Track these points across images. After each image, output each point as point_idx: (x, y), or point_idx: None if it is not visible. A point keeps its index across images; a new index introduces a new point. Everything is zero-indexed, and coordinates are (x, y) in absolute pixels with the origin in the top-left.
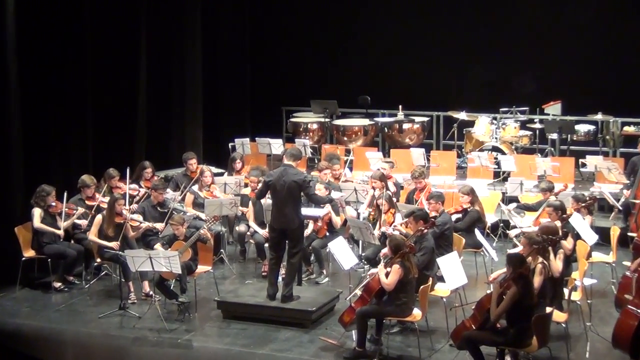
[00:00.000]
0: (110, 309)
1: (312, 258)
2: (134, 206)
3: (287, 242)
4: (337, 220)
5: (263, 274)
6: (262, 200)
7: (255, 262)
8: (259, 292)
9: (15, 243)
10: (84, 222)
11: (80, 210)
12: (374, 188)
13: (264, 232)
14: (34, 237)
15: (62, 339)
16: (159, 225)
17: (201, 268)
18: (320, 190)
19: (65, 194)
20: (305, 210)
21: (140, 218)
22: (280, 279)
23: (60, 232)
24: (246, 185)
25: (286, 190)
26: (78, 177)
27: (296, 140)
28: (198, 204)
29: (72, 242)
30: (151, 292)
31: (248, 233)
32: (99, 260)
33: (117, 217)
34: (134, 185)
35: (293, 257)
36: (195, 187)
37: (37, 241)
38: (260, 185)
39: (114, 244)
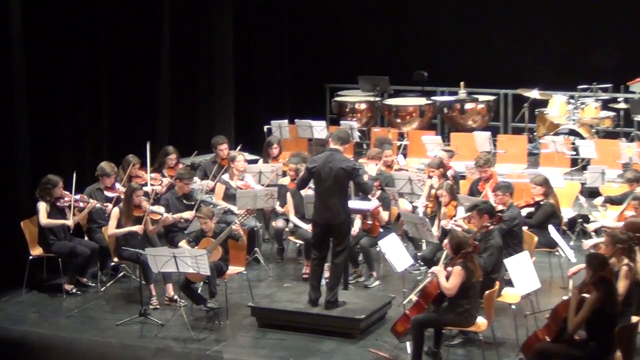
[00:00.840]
0: (129, 315)
1: (360, 258)
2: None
3: (332, 240)
4: (385, 216)
5: (304, 276)
6: (303, 191)
7: (294, 263)
8: (299, 297)
9: (21, 240)
10: (108, 207)
11: (93, 202)
12: (431, 177)
13: (308, 227)
14: (42, 234)
15: (74, 350)
16: (188, 214)
17: (233, 269)
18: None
19: (74, 179)
20: (351, 204)
21: (162, 210)
22: (323, 282)
23: (70, 222)
24: (284, 174)
25: (332, 178)
26: (91, 165)
27: (342, 122)
28: (229, 196)
29: (86, 238)
30: (176, 297)
31: (286, 229)
32: (116, 259)
33: (136, 210)
34: (155, 174)
35: (337, 257)
36: (226, 176)
37: (45, 238)
38: (301, 173)
39: (137, 228)
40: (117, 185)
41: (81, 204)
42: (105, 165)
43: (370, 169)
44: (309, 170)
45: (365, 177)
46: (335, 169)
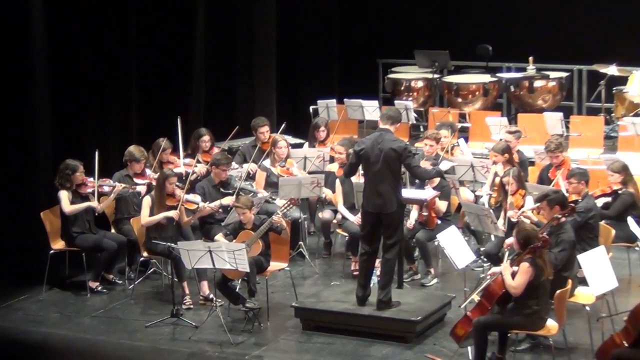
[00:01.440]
0: (159, 316)
1: (416, 254)
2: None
3: (382, 232)
4: (443, 206)
5: (354, 273)
6: (353, 178)
7: (343, 258)
8: (348, 297)
9: (41, 232)
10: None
11: (119, 185)
12: (496, 163)
13: (356, 219)
14: (64, 225)
15: (99, 354)
16: (229, 200)
17: (274, 265)
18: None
19: (97, 158)
20: (405, 192)
21: (198, 199)
22: (375, 279)
23: (96, 204)
24: (332, 159)
25: (382, 161)
26: (117, 148)
27: (396, 102)
28: (271, 184)
29: (112, 230)
30: (211, 296)
31: (334, 221)
32: (145, 254)
33: (169, 199)
34: (189, 160)
35: (389, 252)
36: (267, 162)
37: (68, 230)
38: (350, 157)
39: (173, 213)
40: (148, 172)
41: (106, 189)
42: (134, 149)
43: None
44: (356, 153)
45: (426, 165)
46: (385, 150)
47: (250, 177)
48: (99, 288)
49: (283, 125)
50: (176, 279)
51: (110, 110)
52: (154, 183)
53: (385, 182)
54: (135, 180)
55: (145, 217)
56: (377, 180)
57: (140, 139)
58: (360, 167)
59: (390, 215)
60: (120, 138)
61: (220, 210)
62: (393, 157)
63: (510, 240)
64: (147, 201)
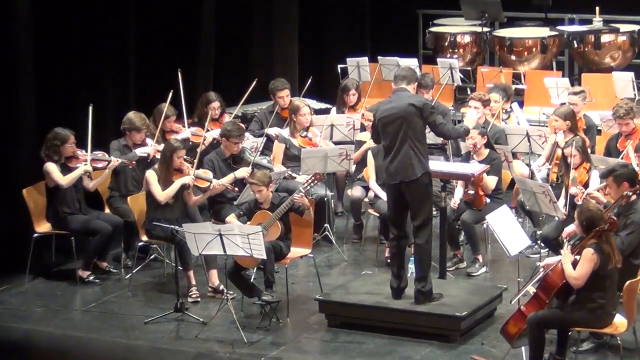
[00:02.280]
0: (161, 310)
1: (461, 238)
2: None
3: (409, 210)
4: (493, 182)
5: (388, 261)
6: None
7: (376, 243)
8: (382, 288)
9: (23, 213)
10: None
11: (115, 161)
12: (556, 132)
13: None
14: (50, 204)
15: (91, 354)
16: (244, 172)
17: (296, 251)
18: (474, 139)
19: (90, 113)
20: (446, 166)
21: (210, 175)
22: (412, 268)
23: (88, 168)
24: (363, 128)
25: (400, 120)
26: (113, 115)
27: (439, 60)
28: (290, 157)
29: (107, 211)
30: (222, 287)
31: (366, 199)
32: (145, 238)
33: (176, 175)
34: (196, 129)
35: (418, 235)
36: (286, 132)
37: (55, 210)
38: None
39: (188, 179)
40: (149, 142)
41: (99, 164)
42: (134, 116)
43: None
44: (374, 118)
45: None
46: (402, 108)
47: (267, 144)
48: (91, 278)
49: (308, 83)
50: (181, 268)
51: (104, 72)
52: (157, 156)
53: (405, 144)
54: (136, 152)
55: (159, 191)
56: (395, 143)
57: (138, 103)
58: None
59: (412, 185)
60: (116, 103)
61: (233, 187)
62: (412, 112)
63: (571, 227)
64: (153, 176)
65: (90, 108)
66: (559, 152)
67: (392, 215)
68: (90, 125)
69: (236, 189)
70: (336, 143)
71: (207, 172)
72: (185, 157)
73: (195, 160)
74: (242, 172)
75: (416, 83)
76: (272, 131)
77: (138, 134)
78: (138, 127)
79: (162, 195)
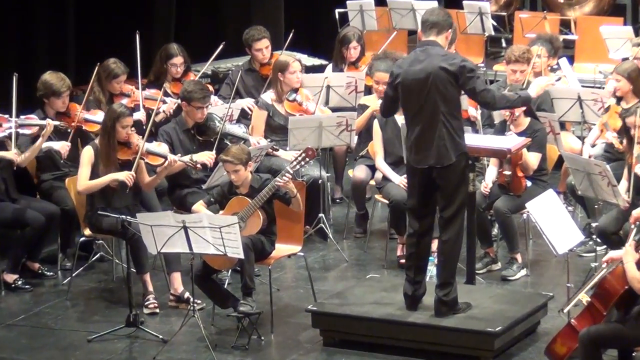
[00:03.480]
0: (109, 324)
1: (494, 232)
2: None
3: (437, 199)
4: (535, 160)
5: (401, 261)
6: (399, 119)
7: (385, 238)
8: (393, 296)
9: None
10: (63, 148)
11: (50, 124)
12: (616, 95)
13: (402, 180)
14: None
15: None
16: (207, 157)
17: (282, 249)
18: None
19: (15, 85)
20: (475, 139)
21: (165, 148)
22: (432, 271)
23: (14, 155)
24: (368, 90)
25: (429, 88)
26: (35, 73)
27: (466, 2)
28: (274, 127)
29: (38, 197)
30: (187, 295)
31: (372, 182)
32: (88, 232)
33: (122, 150)
34: (153, 91)
35: (447, 229)
36: (269, 95)
37: None
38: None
39: (124, 175)
40: (78, 110)
41: (26, 130)
42: (49, 77)
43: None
44: (391, 83)
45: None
46: (432, 72)
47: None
48: (19, 283)
49: (290, 36)
50: (134, 270)
51: (37, 24)
52: (87, 128)
53: (436, 120)
54: (54, 122)
55: (84, 178)
56: (423, 119)
57: (79, 63)
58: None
59: (446, 170)
60: (51, 63)
61: (195, 163)
62: (445, 79)
63: (639, 211)
64: (87, 154)
65: (15, 79)
66: (619, 122)
67: (415, 205)
68: (15, 100)
69: (199, 166)
70: (333, 110)
71: (160, 145)
72: (133, 128)
73: (147, 131)
74: (203, 156)
75: (450, 31)
76: (244, 103)
77: (58, 99)
78: (57, 89)
79: (85, 184)
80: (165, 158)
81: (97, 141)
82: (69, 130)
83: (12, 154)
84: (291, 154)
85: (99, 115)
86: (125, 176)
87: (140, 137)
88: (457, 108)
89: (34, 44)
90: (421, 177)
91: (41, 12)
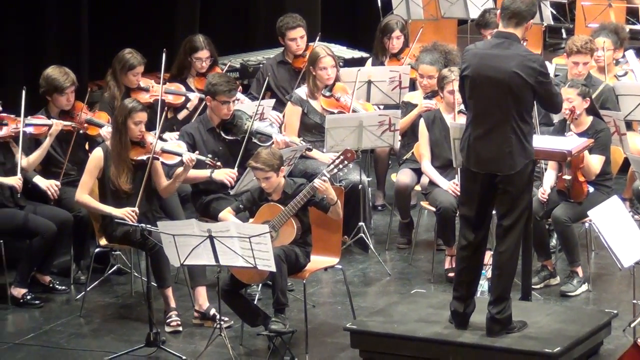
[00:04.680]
0: (127, 344)
1: (552, 242)
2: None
3: (496, 207)
4: (597, 163)
5: (449, 274)
6: (448, 118)
7: (431, 249)
8: (440, 313)
9: None
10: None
11: (58, 124)
12: None
13: (451, 185)
14: None
15: None
16: (225, 175)
17: (318, 261)
18: (572, 102)
19: (24, 96)
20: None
21: (183, 148)
22: (485, 285)
23: (17, 183)
24: (413, 84)
25: (503, 88)
26: (42, 67)
27: None
28: (309, 126)
29: (52, 203)
30: (213, 311)
31: (417, 187)
32: (104, 241)
33: (135, 150)
34: (174, 86)
35: (505, 240)
36: (303, 90)
37: None
38: (446, 82)
39: (122, 212)
40: (82, 110)
41: (32, 129)
42: (52, 72)
43: None
44: (460, 73)
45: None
46: (508, 69)
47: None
48: (28, 298)
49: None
50: (155, 284)
51: (46, 15)
52: (93, 132)
53: (504, 123)
54: (59, 121)
55: (85, 188)
56: (490, 120)
57: (93, 55)
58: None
59: (511, 179)
60: (63, 57)
61: (214, 161)
62: (521, 82)
63: None
64: (95, 159)
65: (24, 92)
66: None
67: (471, 214)
68: (23, 110)
69: (219, 163)
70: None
71: (180, 145)
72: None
73: (158, 126)
74: (221, 175)
75: (531, 22)
76: (265, 104)
77: (61, 95)
78: (60, 85)
79: (80, 197)
80: (181, 155)
81: (108, 142)
82: (81, 132)
83: (15, 179)
84: (328, 156)
85: (103, 118)
86: (123, 213)
87: (157, 136)
88: (530, 112)
89: (43, 36)
90: (479, 183)
91: (50, 2)
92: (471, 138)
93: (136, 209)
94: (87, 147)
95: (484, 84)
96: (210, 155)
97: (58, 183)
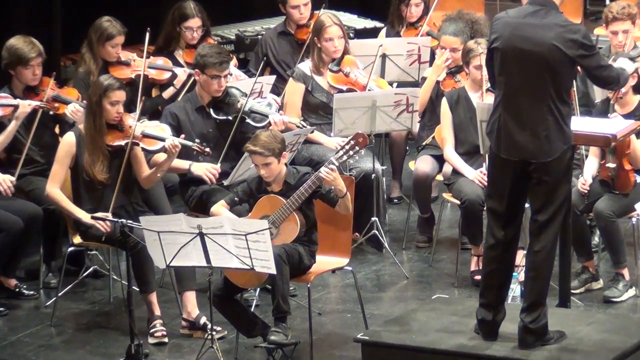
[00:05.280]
0: (104, 358)
1: (595, 240)
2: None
3: (530, 200)
4: None
5: (475, 277)
6: (475, 97)
7: (455, 248)
8: (465, 322)
9: None
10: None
11: (26, 105)
12: None
13: (476, 175)
14: None
15: None
16: (203, 170)
17: (325, 262)
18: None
19: None
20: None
21: (167, 131)
22: (516, 290)
23: None
24: (432, 57)
25: (538, 64)
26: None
27: None
28: (313, 106)
29: (18, 196)
30: (204, 320)
31: (439, 177)
32: (77, 240)
33: (111, 134)
34: (161, 60)
35: (540, 238)
36: (307, 64)
37: None
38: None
39: (90, 221)
40: (49, 87)
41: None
42: (16, 42)
43: None
44: (488, 46)
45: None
46: (545, 46)
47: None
48: None
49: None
50: (137, 288)
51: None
52: (61, 110)
53: (541, 103)
54: (27, 101)
55: (56, 179)
56: (524, 100)
57: (69, 29)
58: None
59: (547, 167)
60: (32, 28)
61: (202, 147)
62: (561, 57)
63: None
64: (66, 146)
65: None
66: None
67: (501, 207)
68: None
69: (207, 149)
70: (391, 84)
71: (163, 129)
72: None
73: (139, 106)
74: (200, 169)
75: None
76: (264, 81)
77: (26, 69)
78: (24, 56)
79: (50, 191)
80: (163, 140)
81: (81, 126)
82: (52, 113)
83: None
84: (336, 140)
85: (72, 95)
86: (92, 222)
87: (135, 117)
88: (569, 90)
89: (8, 3)
90: (513, 172)
91: None
92: (501, 120)
93: (109, 214)
94: (57, 130)
95: (517, 58)
96: (198, 141)
97: (13, 179)
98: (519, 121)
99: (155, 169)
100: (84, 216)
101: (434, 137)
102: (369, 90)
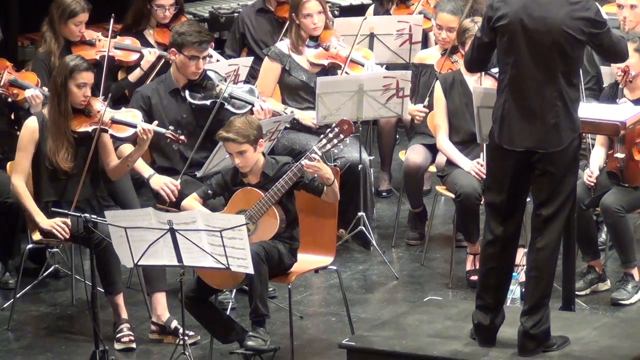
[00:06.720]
0: None
1: (602, 238)
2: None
3: (533, 193)
4: None
5: (471, 278)
6: (473, 79)
7: (449, 245)
8: (460, 326)
9: None
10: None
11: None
12: None
13: (474, 166)
14: None
15: None
16: (161, 184)
17: (307, 261)
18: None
19: None
20: (583, 109)
21: (138, 117)
22: (516, 291)
23: None
24: (426, 39)
25: (547, 44)
26: None
27: None
28: (293, 88)
29: None
30: (174, 324)
31: (432, 168)
32: (37, 236)
33: (78, 119)
34: (129, 40)
35: (544, 234)
36: (285, 43)
37: None
38: (468, 34)
39: (54, 223)
40: (6, 71)
41: None
42: None
43: None
44: (488, 22)
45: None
46: (553, 24)
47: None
48: None
49: None
50: (102, 289)
51: None
52: (19, 96)
53: (550, 88)
54: None
55: (19, 169)
56: (531, 84)
57: (27, 7)
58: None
59: (553, 157)
60: None
61: (177, 136)
62: (572, 37)
63: None
64: (28, 132)
65: None
66: None
67: (501, 201)
68: None
69: (182, 137)
70: (379, 65)
71: (134, 114)
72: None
73: (102, 89)
74: (157, 183)
75: None
76: (241, 63)
77: None
78: None
79: (14, 184)
80: (134, 127)
81: (44, 110)
82: (9, 100)
83: None
84: (312, 114)
85: (31, 80)
86: (52, 225)
87: (104, 102)
88: (579, 73)
89: None
90: (514, 162)
91: None
92: (505, 107)
93: (68, 220)
94: (12, 117)
95: (525, 38)
96: (172, 128)
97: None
98: (525, 107)
99: (124, 159)
100: (42, 220)
101: (426, 125)
102: (351, 60)
